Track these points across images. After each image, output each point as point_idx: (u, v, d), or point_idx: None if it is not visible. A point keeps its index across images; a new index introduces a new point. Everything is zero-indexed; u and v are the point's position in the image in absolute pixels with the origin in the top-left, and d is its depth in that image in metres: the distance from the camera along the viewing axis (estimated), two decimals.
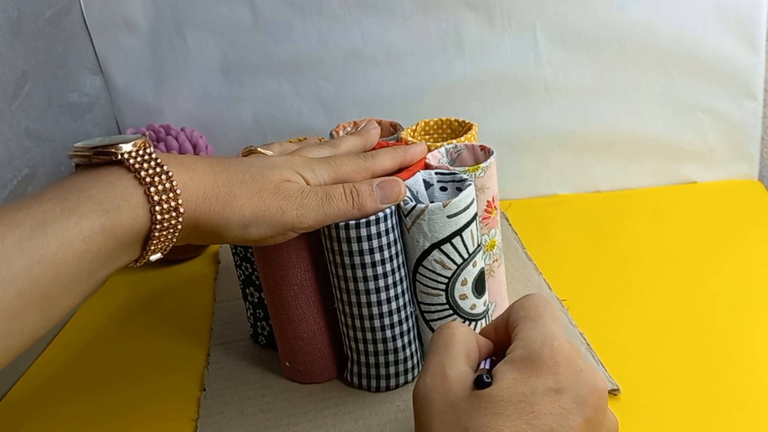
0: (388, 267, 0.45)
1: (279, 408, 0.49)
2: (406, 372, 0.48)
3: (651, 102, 0.71)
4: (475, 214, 0.46)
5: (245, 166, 0.42)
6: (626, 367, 0.47)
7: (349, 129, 0.60)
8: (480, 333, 0.39)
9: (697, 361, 0.47)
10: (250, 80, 0.78)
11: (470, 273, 0.47)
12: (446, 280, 0.46)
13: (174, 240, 0.38)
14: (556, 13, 0.69)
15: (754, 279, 0.55)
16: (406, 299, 0.47)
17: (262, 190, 0.40)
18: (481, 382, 0.32)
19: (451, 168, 0.49)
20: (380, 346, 0.47)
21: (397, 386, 0.49)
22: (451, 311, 0.47)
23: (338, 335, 0.50)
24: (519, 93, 0.73)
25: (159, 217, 0.36)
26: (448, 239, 0.45)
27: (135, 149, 0.36)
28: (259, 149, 0.47)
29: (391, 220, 0.44)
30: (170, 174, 0.37)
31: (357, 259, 0.44)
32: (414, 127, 0.58)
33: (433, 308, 0.47)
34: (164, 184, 0.36)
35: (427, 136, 0.59)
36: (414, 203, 0.45)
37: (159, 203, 0.36)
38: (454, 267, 0.46)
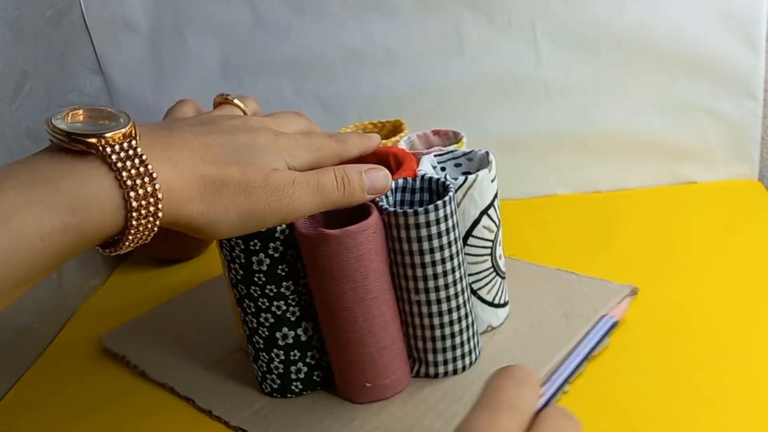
0: (453, 249, 0.44)
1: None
2: (470, 352, 0.48)
3: (651, 102, 0.71)
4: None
5: (235, 153, 0.38)
6: (626, 366, 0.47)
7: None
8: None
9: (697, 361, 0.47)
10: (250, 80, 0.78)
11: (500, 230, 0.51)
12: (491, 244, 0.49)
13: (146, 240, 0.35)
14: (556, 13, 0.69)
15: (754, 279, 0.55)
16: (465, 279, 0.46)
17: (249, 184, 0.37)
18: None
19: (447, 148, 0.54)
20: (447, 330, 0.46)
21: (471, 364, 0.48)
22: (494, 274, 0.51)
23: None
24: (519, 93, 0.73)
25: (135, 222, 0.33)
26: (492, 203, 0.48)
27: (119, 141, 0.33)
28: (235, 101, 0.45)
29: (451, 207, 0.44)
30: (154, 175, 0.33)
31: (425, 245, 0.43)
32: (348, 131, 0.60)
33: (481, 275, 0.50)
34: (146, 188, 0.33)
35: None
36: (464, 177, 0.47)
37: (137, 209, 0.32)
38: (495, 228, 0.50)
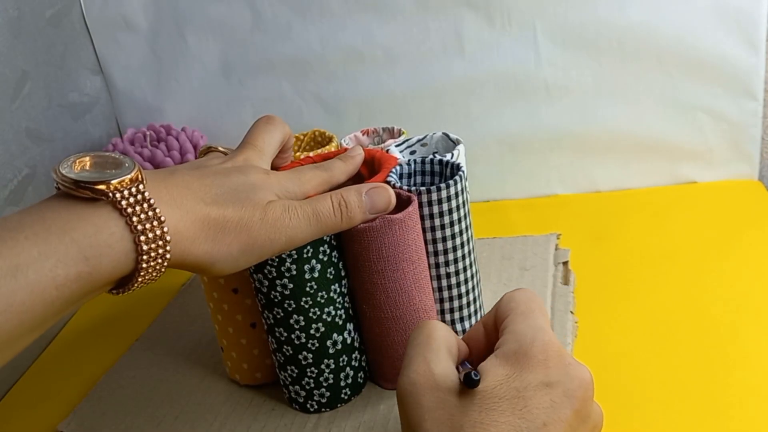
0: (464, 224, 0.47)
1: None
2: (481, 307, 0.52)
3: (651, 102, 0.71)
4: None
5: (232, 193, 0.39)
6: (626, 366, 0.47)
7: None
8: (470, 330, 0.39)
9: (697, 361, 0.47)
10: (250, 80, 0.78)
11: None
12: None
13: (154, 281, 0.36)
14: (556, 13, 0.69)
15: (754, 279, 0.55)
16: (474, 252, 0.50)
17: (249, 221, 0.38)
18: (469, 380, 0.32)
19: (400, 138, 0.57)
20: (471, 296, 0.49)
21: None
22: None
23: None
24: (519, 93, 0.73)
25: (145, 265, 0.34)
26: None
27: (127, 186, 0.33)
28: (219, 148, 0.46)
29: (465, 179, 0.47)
30: (162, 219, 0.34)
31: (455, 215, 0.46)
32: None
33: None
34: (155, 231, 0.34)
35: (299, 153, 0.66)
36: (450, 154, 0.51)
37: (147, 252, 0.33)
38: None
